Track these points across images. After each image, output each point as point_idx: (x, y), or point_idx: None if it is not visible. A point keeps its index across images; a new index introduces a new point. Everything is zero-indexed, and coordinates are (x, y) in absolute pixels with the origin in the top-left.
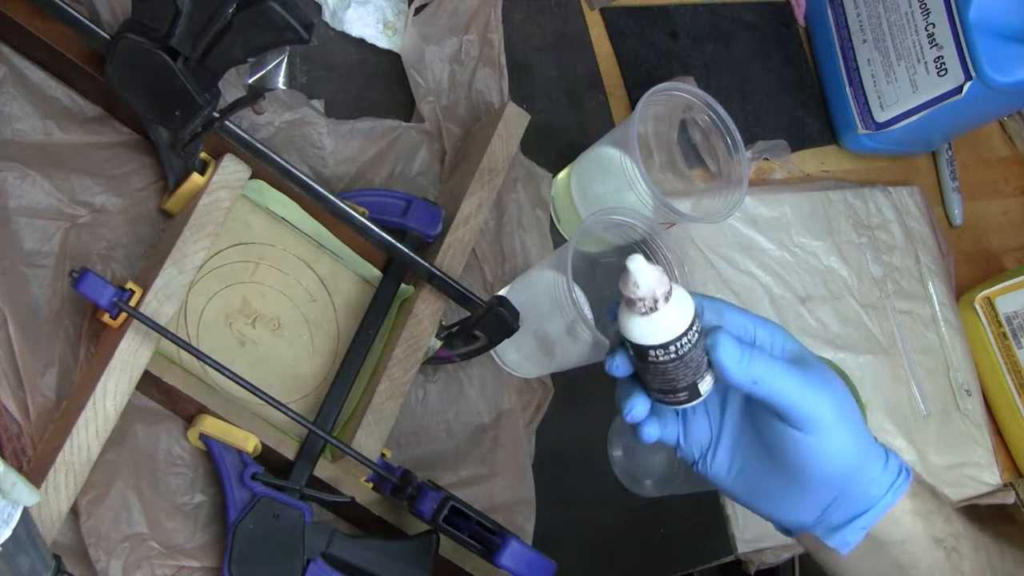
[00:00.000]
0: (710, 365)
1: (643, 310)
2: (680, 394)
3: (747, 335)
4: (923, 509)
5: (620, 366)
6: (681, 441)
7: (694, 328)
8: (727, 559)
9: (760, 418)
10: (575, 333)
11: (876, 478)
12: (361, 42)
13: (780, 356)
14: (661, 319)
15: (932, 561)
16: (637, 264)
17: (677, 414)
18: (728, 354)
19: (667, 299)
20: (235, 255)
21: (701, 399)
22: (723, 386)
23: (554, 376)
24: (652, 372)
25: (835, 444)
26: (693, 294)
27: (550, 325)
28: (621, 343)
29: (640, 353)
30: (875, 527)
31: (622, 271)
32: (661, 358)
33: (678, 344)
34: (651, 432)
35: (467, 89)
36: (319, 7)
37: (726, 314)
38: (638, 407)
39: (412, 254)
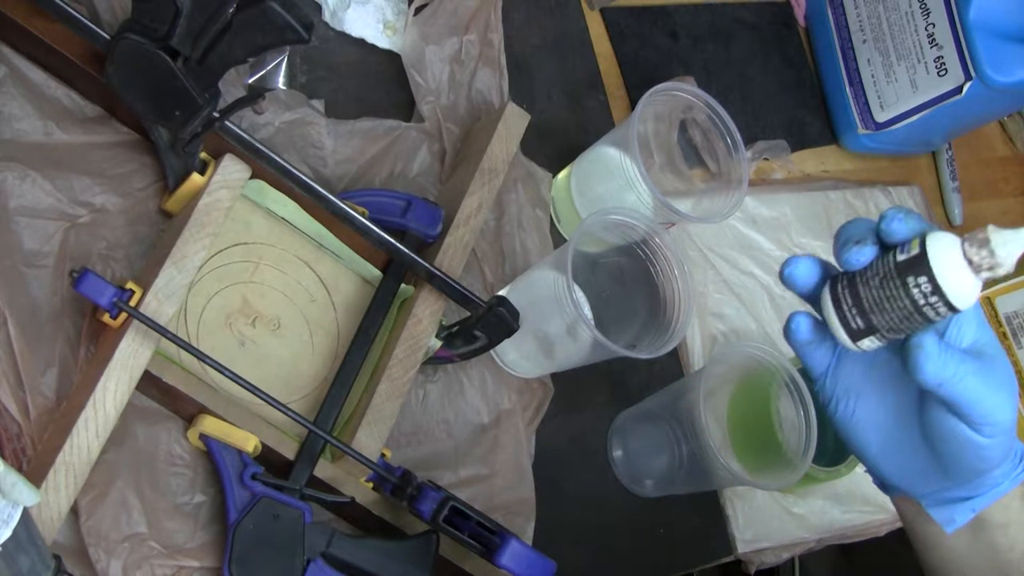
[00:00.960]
0: (895, 340)
1: (979, 261)
2: (858, 320)
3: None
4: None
5: (865, 254)
6: (827, 377)
7: (949, 313)
8: (727, 559)
9: (930, 404)
10: (575, 333)
11: (1007, 470)
12: (361, 42)
13: (965, 344)
14: (967, 282)
15: None
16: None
17: (834, 350)
18: (931, 357)
19: (982, 279)
20: (235, 255)
21: (849, 345)
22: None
23: (554, 376)
24: (885, 285)
25: (1001, 445)
26: None
27: (550, 325)
28: (874, 240)
29: (913, 270)
30: (983, 509)
31: (1012, 233)
32: (917, 293)
33: (938, 305)
34: (803, 327)
35: (467, 89)
36: (319, 7)
37: None
38: (805, 265)
39: (412, 254)
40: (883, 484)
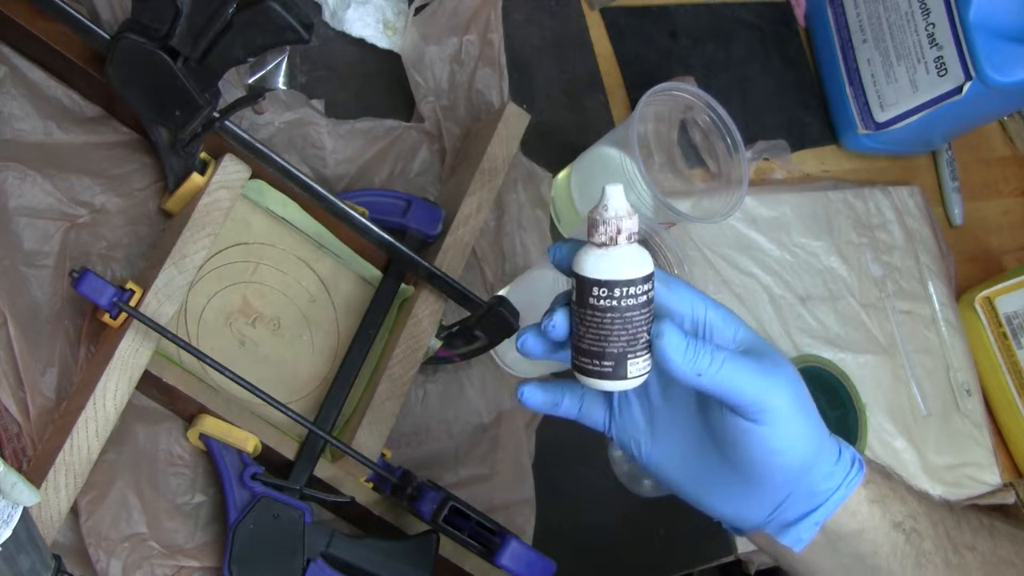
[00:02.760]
0: (650, 348)
1: (602, 239)
2: (606, 363)
3: (697, 316)
4: (878, 495)
5: (559, 325)
6: (611, 427)
7: (645, 288)
8: (727, 559)
9: (707, 408)
10: None
11: (829, 471)
12: (361, 42)
13: (731, 344)
14: (616, 255)
15: (892, 545)
16: (614, 189)
17: (604, 402)
18: (672, 345)
19: (630, 240)
20: (235, 255)
21: (624, 385)
22: (664, 375)
23: (554, 376)
24: (586, 322)
25: (789, 435)
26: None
27: None
28: (564, 301)
29: (581, 291)
30: (830, 520)
31: (600, 196)
32: (602, 301)
33: (624, 291)
34: (532, 395)
35: (467, 89)
36: (319, 7)
37: (675, 288)
38: (530, 341)
39: (412, 254)
40: (730, 525)
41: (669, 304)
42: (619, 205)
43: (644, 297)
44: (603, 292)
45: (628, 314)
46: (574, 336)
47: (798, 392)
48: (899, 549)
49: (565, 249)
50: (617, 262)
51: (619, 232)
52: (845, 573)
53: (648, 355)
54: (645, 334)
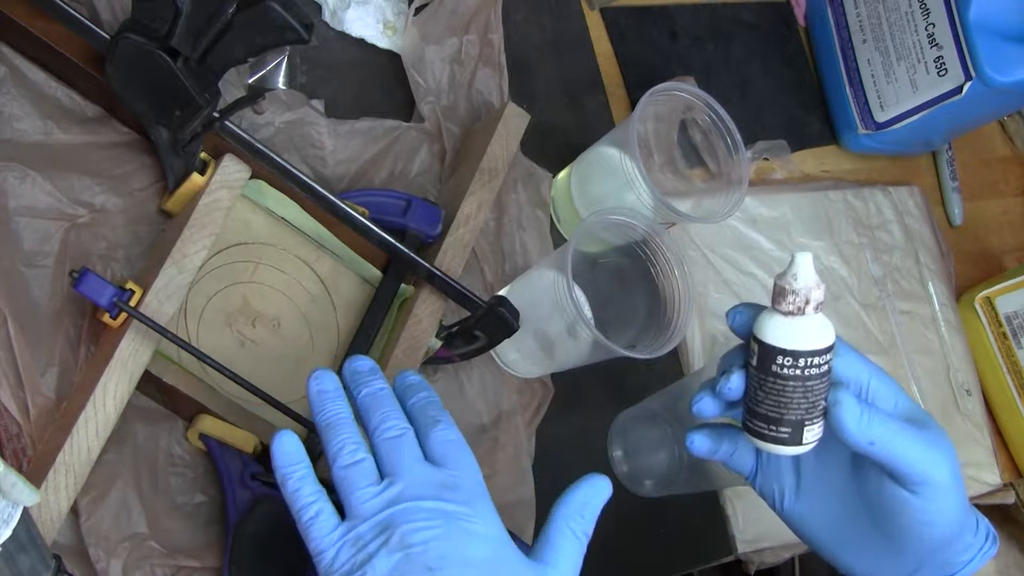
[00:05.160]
0: (824, 415)
1: (791, 308)
2: (783, 429)
3: (862, 382)
4: (1003, 565)
5: (735, 387)
6: (756, 476)
7: (828, 357)
8: (727, 559)
9: (863, 472)
10: (575, 333)
11: (968, 543)
12: (361, 42)
13: (896, 412)
14: (804, 325)
15: None
16: (805, 258)
17: (754, 451)
18: (849, 413)
19: (817, 309)
20: (235, 255)
21: (800, 449)
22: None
23: (554, 376)
24: (766, 389)
25: (945, 509)
26: None
27: (550, 325)
28: (739, 363)
29: (765, 358)
30: None
31: (789, 264)
32: (786, 370)
33: (808, 361)
34: (703, 444)
35: (467, 89)
36: (319, 7)
37: (844, 355)
38: (706, 403)
39: (412, 254)
40: None
41: (839, 371)
42: (809, 275)
43: (826, 367)
44: (788, 361)
45: (810, 383)
46: (749, 398)
47: (956, 466)
48: None
49: (747, 314)
50: (806, 332)
51: (807, 303)
52: None
53: (823, 421)
54: (823, 401)
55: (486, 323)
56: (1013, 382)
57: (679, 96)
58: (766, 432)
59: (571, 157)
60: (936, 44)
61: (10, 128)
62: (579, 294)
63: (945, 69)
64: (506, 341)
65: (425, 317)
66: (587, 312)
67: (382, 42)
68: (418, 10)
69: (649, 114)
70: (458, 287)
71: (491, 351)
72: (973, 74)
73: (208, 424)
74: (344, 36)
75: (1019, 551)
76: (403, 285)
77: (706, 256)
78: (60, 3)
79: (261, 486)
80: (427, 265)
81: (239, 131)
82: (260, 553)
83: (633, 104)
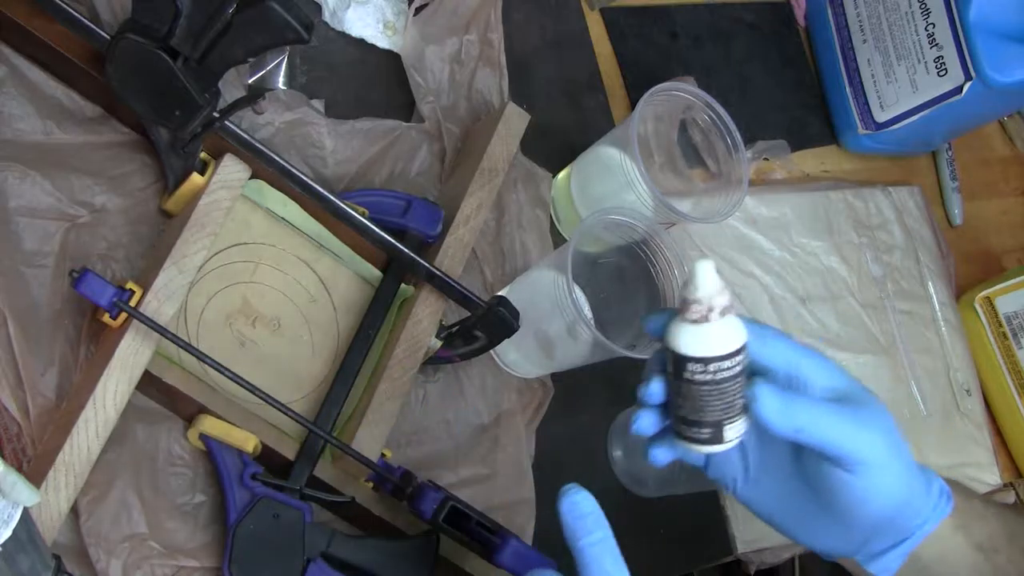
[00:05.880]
0: (746, 410)
1: (695, 316)
2: (704, 430)
3: (791, 367)
4: (961, 521)
5: (655, 393)
6: (707, 466)
7: (739, 359)
8: (727, 559)
9: (802, 455)
10: (575, 333)
11: (919, 508)
12: (361, 42)
13: (825, 393)
14: (709, 332)
15: (972, 566)
16: (704, 266)
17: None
18: (768, 406)
19: (722, 315)
20: (235, 255)
21: (721, 448)
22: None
23: (554, 376)
24: (683, 394)
25: (885, 484)
26: (743, 319)
27: (550, 325)
28: (659, 368)
29: (677, 365)
30: (917, 548)
31: (689, 274)
32: (697, 376)
33: (718, 366)
34: (662, 455)
35: (467, 89)
36: (319, 7)
37: (770, 341)
38: (643, 421)
39: (412, 254)
40: (819, 552)
41: (763, 359)
42: (710, 282)
43: (739, 368)
44: (698, 368)
45: (723, 385)
46: (671, 403)
47: (892, 439)
48: (979, 568)
49: (659, 321)
50: (711, 339)
51: (711, 310)
52: None
53: (744, 417)
54: (741, 399)
55: (486, 323)
56: (1013, 382)
57: (679, 96)
58: (688, 434)
59: (571, 157)
60: (936, 44)
61: (10, 128)
62: (579, 294)
63: (945, 69)
64: (506, 341)
65: (425, 317)
66: (587, 312)
67: (382, 42)
68: (418, 10)
69: (649, 114)
70: (458, 287)
71: (491, 351)
72: (973, 74)
73: (208, 424)
74: (344, 36)
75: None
76: (403, 285)
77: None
78: (60, 3)
79: (261, 486)
80: (427, 265)
81: (239, 131)
82: (260, 553)
83: (633, 104)
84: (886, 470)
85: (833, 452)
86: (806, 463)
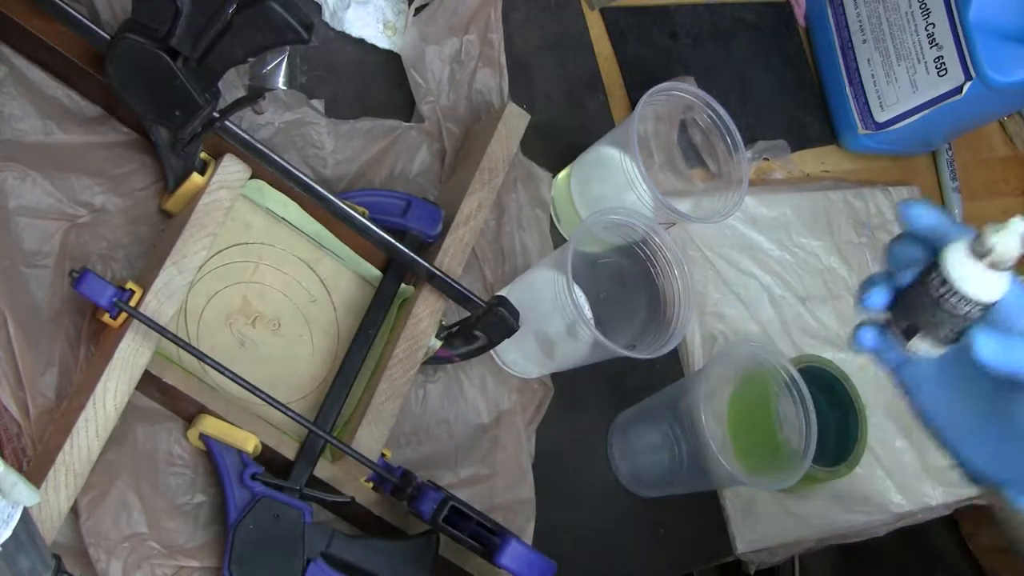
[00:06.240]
0: (959, 338)
1: (992, 261)
2: (925, 340)
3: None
4: None
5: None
6: (898, 371)
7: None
8: (727, 559)
9: (1001, 382)
10: (575, 333)
11: None
12: (361, 42)
13: None
14: (990, 279)
15: None
16: (1018, 226)
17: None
18: (986, 346)
19: (1008, 271)
20: (235, 255)
21: (928, 354)
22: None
23: (554, 376)
24: (922, 307)
25: None
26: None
27: (550, 325)
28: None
29: (941, 287)
30: None
31: (1008, 225)
32: (955, 309)
33: (977, 308)
34: (868, 339)
35: (467, 89)
36: (319, 7)
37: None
38: (876, 296)
39: (412, 254)
40: (971, 473)
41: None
42: (1008, 251)
43: (958, 307)
44: (962, 303)
45: (969, 317)
46: (903, 299)
47: None
48: None
49: (930, 220)
50: (990, 286)
51: (1005, 265)
52: None
53: (942, 336)
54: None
55: (486, 323)
56: None
57: (679, 96)
58: (895, 316)
59: (571, 157)
60: (936, 44)
61: (10, 128)
62: (579, 294)
63: (945, 69)
64: (506, 341)
65: (425, 317)
66: (587, 312)
67: (382, 42)
68: (418, 10)
69: (649, 114)
70: (458, 287)
71: (491, 351)
72: (973, 74)
73: (208, 424)
74: (344, 36)
75: None
76: (403, 285)
77: (706, 256)
78: (60, 3)
79: (261, 486)
80: (427, 265)
81: (239, 131)
82: (260, 553)
83: (633, 104)
84: None
85: None
86: (1001, 385)
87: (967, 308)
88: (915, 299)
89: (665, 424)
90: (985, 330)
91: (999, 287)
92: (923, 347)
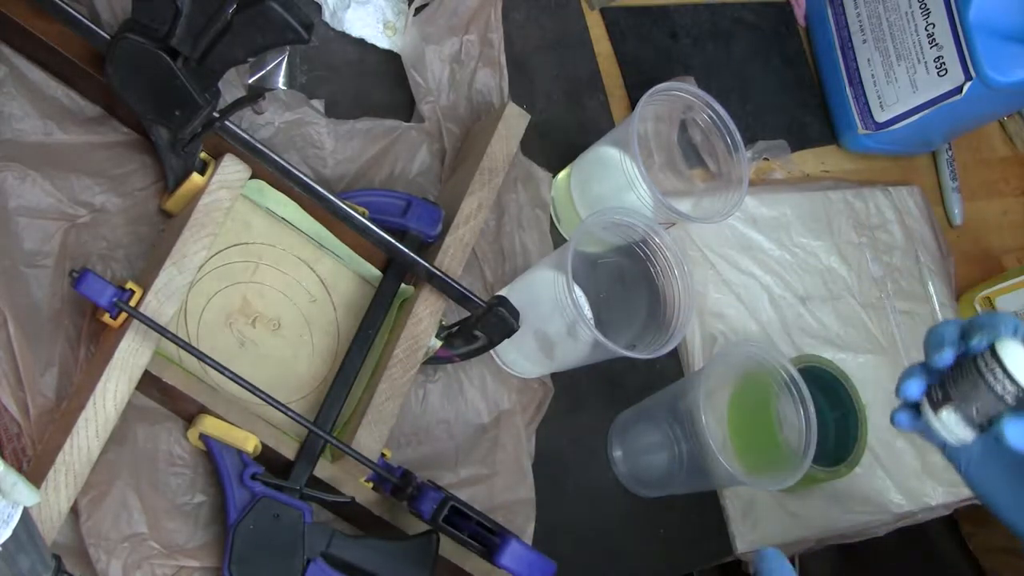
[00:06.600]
0: (991, 424)
1: None
2: (961, 420)
3: None
4: None
5: (945, 359)
6: (944, 447)
7: None
8: (727, 559)
9: None
10: (575, 333)
11: None
12: (361, 42)
13: None
14: None
15: None
16: None
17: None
18: (1016, 435)
19: None
20: (235, 255)
21: (962, 440)
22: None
23: (554, 376)
24: (967, 387)
25: None
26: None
27: (550, 325)
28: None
29: (989, 371)
30: None
31: None
32: (999, 389)
33: (1012, 396)
34: (906, 421)
35: (467, 89)
36: (319, 7)
37: None
38: (913, 386)
39: (412, 254)
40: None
41: None
42: None
43: (994, 380)
44: (1010, 388)
45: (1002, 397)
46: (944, 385)
47: None
48: None
49: (1003, 329)
50: None
51: None
52: None
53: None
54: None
55: (486, 323)
56: None
57: (679, 96)
58: (930, 391)
59: (571, 157)
60: (936, 44)
61: (10, 128)
62: (579, 294)
63: (945, 69)
64: (506, 341)
65: (425, 317)
66: (587, 312)
67: (382, 42)
68: (418, 10)
69: (649, 114)
70: (458, 287)
71: (491, 351)
72: (973, 74)
73: (208, 424)
74: (344, 36)
75: None
76: (403, 285)
77: (706, 256)
78: (60, 3)
79: (261, 486)
80: (427, 265)
81: (239, 131)
82: (260, 553)
83: (633, 104)
84: None
85: None
86: None
87: (1010, 390)
88: (957, 374)
89: (665, 424)
90: (1014, 418)
91: None
92: (951, 421)
